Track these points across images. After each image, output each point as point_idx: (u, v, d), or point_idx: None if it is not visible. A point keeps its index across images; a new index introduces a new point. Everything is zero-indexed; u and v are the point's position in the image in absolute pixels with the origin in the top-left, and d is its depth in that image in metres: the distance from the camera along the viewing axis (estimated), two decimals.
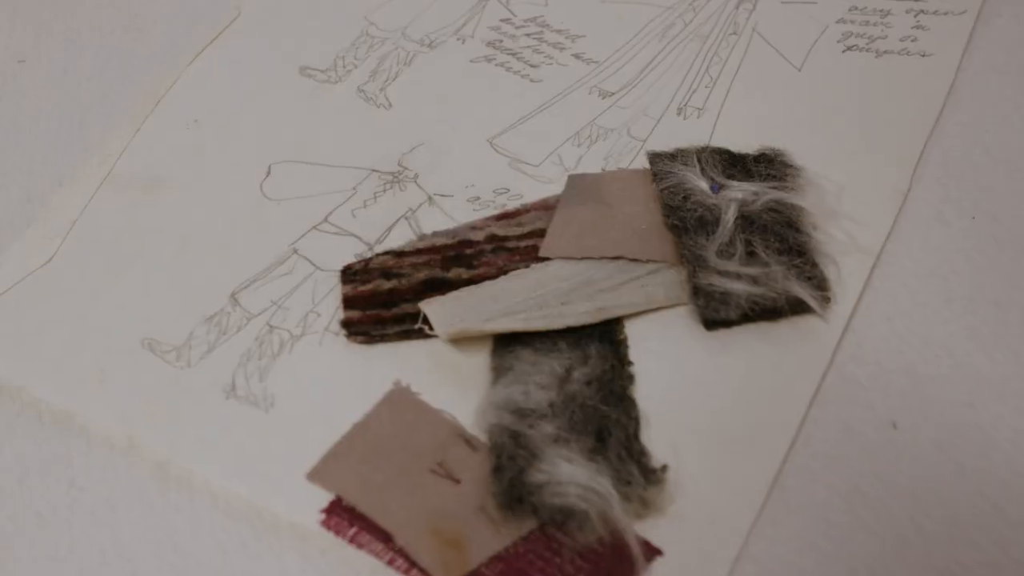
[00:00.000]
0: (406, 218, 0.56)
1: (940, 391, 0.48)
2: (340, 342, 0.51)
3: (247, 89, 0.65)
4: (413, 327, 0.51)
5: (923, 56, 0.63)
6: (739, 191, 0.54)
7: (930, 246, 0.54)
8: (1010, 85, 0.62)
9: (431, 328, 0.50)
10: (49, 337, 0.53)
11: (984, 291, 0.52)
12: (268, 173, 0.60)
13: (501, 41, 0.67)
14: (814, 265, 0.51)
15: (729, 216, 0.53)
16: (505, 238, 0.54)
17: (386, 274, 0.53)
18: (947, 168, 0.57)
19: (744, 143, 0.58)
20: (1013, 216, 0.55)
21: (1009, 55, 0.64)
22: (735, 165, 0.56)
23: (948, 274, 0.53)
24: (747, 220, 0.53)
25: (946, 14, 0.66)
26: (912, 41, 0.64)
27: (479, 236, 0.55)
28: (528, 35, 0.67)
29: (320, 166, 0.60)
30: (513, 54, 0.66)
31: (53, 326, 0.53)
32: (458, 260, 0.54)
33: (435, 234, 0.55)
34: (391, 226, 0.56)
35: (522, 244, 0.54)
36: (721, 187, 0.54)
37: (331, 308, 0.53)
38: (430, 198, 0.57)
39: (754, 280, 0.50)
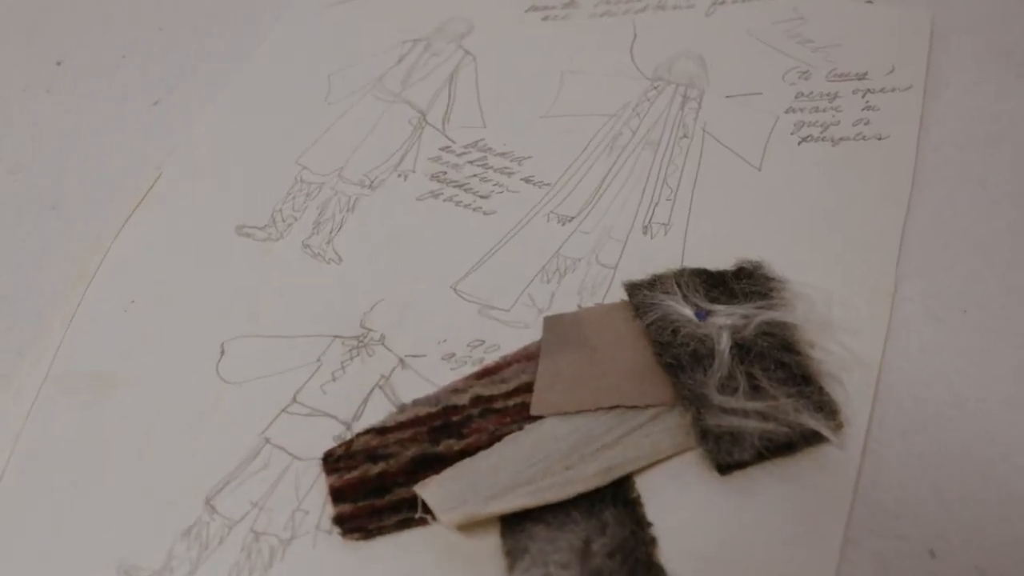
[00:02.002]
0: (380, 387, 0.55)
1: (971, 509, 0.48)
2: (335, 541, 0.49)
3: (182, 259, 0.63)
4: (413, 515, 0.49)
5: (879, 139, 0.64)
6: (727, 316, 0.53)
7: (928, 348, 0.54)
8: (972, 160, 0.62)
9: (433, 516, 0.48)
10: (10, 573, 0.50)
11: (992, 390, 0.52)
12: (222, 352, 0.57)
13: (445, 173, 0.66)
14: (821, 391, 0.51)
15: (723, 347, 0.52)
16: (491, 398, 0.53)
17: (372, 456, 0.51)
18: (928, 260, 0.57)
19: (719, 257, 0.58)
20: (1003, 305, 0.55)
21: (964, 127, 0.64)
22: (716, 285, 0.56)
23: (953, 376, 0.53)
24: (743, 349, 0.52)
25: (893, 91, 0.67)
26: (865, 124, 0.65)
27: (463, 399, 0.53)
28: (472, 162, 0.66)
29: (277, 338, 0.58)
30: (460, 186, 0.65)
31: (13, 559, 0.50)
32: (446, 430, 0.52)
33: (416, 403, 0.54)
34: (366, 398, 0.54)
35: (510, 403, 0.53)
36: (708, 313, 0.54)
37: (319, 502, 0.51)
38: (402, 361, 0.56)
39: (763, 416, 0.49)
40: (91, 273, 0.63)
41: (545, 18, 0.77)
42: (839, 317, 0.55)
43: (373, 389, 0.55)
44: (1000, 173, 0.62)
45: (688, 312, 0.54)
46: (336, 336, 0.57)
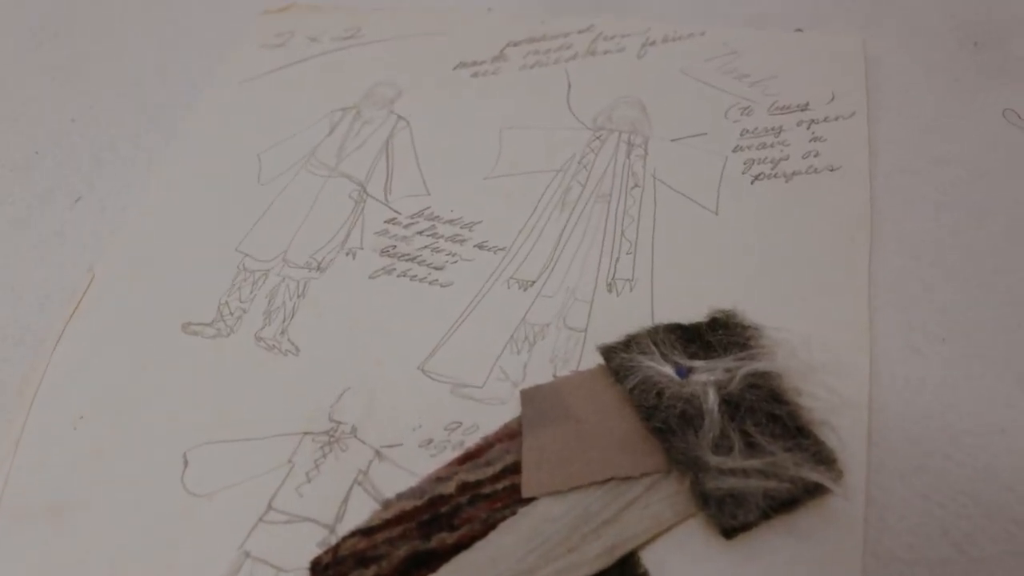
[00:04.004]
0: (359, 483, 0.53)
1: (982, 547, 0.48)
2: None
3: (129, 365, 0.60)
4: None
5: (832, 171, 0.64)
6: (709, 372, 0.53)
7: (913, 382, 0.54)
8: (925, 183, 0.63)
9: None
10: None
11: (983, 420, 0.52)
12: (185, 463, 0.55)
13: (394, 247, 0.64)
14: (817, 441, 0.50)
15: (712, 404, 0.51)
16: (478, 484, 0.52)
17: (362, 560, 0.50)
18: (898, 291, 0.58)
19: (689, 308, 0.57)
20: (980, 330, 0.56)
21: (911, 150, 0.65)
22: (692, 340, 0.55)
23: (942, 409, 0.53)
24: (731, 405, 0.51)
25: (837, 119, 0.67)
26: (815, 156, 0.65)
27: (449, 488, 0.52)
28: (421, 233, 0.65)
29: (242, 441, 0.56)
30: (412, 259, 0.63)
31: None
32: (436, 523, 0.50)
33: (400, 497, 0.52)
34: (346, 497, 0.53)
35: (499, 487, 0.51)
36: (689, 370, 0.53)
37: None
38: (378, 453, 0.54)
39: (763, 473, 0.49)
40: (32, 391, 0.60)
41: (475, 74, 0.76)
42: (820, 360, 0.54)
43: (352, 486, 0.53)
44: (955, 193, 0.62)
45: (669, 371, 0.53)
46: (305, 433, 0.55)
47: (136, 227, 0.68)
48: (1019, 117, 0.66)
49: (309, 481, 0.53)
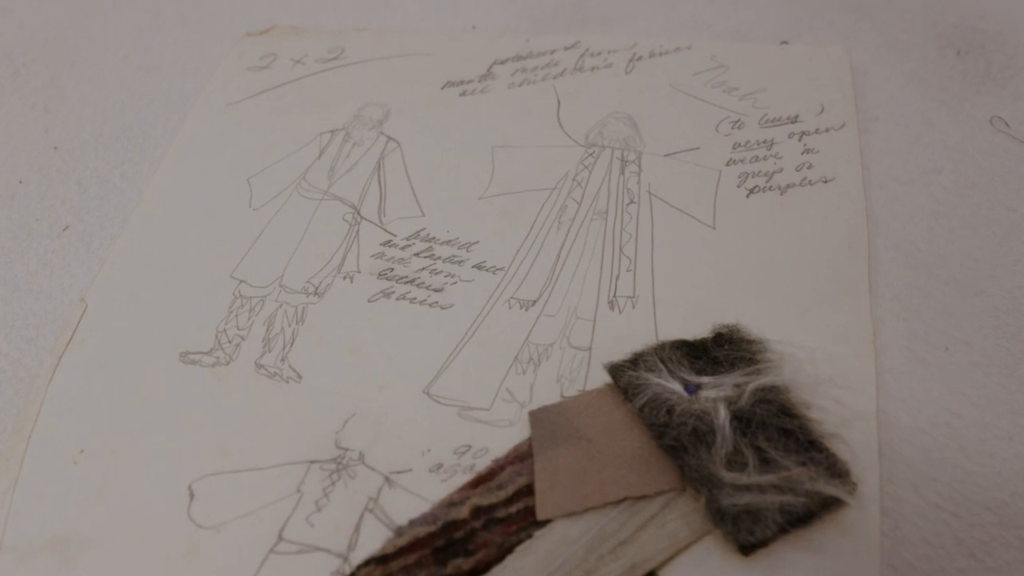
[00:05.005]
0: (370, 511, 0.52)
1: (996, 555, 0.48)
2: None
3: (127, 396, 0.59)
4: None
5: (826, 182, 0.64)
6: (718, 388, 0.53)
7: (919, 393, 0.54)
8: (919, 193, 0.64)
9: None
10: None
11: (990, 428, 0.52)
12: (191, 495, 0.54)
13: (392, 269, 0.64)
14: (830, 454, 0.50)
15: (723, 421, 0.51)
16: (492, 507, 0.51)
17: None
18: (901, 302, 0.58)
19: (692, 324, 0.58)
20: (983, 336, 0.56)
21: (903, 160, 0.66)
22: (699, 356, 0.55)
23: (949, 418, 0.53)
24: (742, 420, 0.51)
25: (827, 131, 0.68)
26: (808, 168, 0.65)
27: (463, 513, 0.51)
28: (418, 255, 0.64)
29: (248, 472, 0.55)
30: (410, 281, 0.63)
31: None
32: (451, 549, 0.50)
33: (413, 523, 0.52)
34: (357, 525, 0.52)
35: (513, 509, 0.51)
36: (698, 387, 0.53)
37: None
38: (387, 479, 0.54)
39: (778, 488, 0.49)
40: (29, 426, 0.59)
41: (463, 93, 0.76)
42: (826, 372, 0.55)
43: (363, 514, 0.53)
44: (949, 201, 0.63)
45: (678, 388, 0.53)
46: (312, 461, 0.55)
47: (127, 255, 0.67)
48: (1006, 124, 0.67)
49: (319, 510, 0.53)
